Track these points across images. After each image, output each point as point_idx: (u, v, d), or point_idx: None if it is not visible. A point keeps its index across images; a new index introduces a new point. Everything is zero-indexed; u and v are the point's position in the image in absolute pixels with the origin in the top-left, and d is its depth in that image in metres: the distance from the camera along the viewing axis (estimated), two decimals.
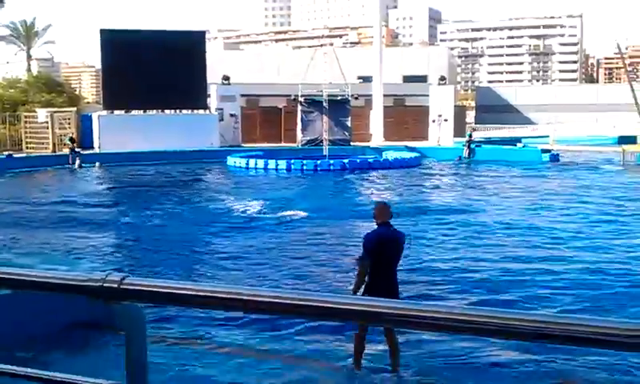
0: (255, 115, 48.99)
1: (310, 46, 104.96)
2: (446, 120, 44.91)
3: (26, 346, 7.57)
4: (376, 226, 7.83)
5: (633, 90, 45.44)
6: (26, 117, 41.80)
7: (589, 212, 20.94)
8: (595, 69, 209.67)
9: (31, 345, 7.69)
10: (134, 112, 42.19)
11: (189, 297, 1.95)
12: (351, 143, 43.21)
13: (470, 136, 42.54)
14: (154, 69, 40.24)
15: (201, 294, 1.93)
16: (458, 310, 1.57)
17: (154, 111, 42.56)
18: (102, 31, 41.78)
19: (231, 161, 37.29)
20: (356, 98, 43.95)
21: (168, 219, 19.68)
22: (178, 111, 42.93)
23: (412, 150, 41.59)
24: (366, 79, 51.31)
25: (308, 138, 42.93)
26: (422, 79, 58.40)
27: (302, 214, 20.12)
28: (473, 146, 40.78)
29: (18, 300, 7.75)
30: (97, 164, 36.86)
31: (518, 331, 1.51)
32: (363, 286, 7.64)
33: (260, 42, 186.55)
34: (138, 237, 17.11)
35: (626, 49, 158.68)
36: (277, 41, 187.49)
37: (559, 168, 35.77)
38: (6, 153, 38.21)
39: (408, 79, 60.52)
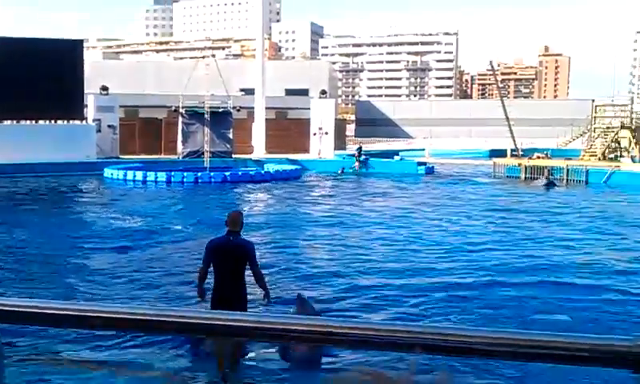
0: (134, 126, 47.85)
1: (191, 57, 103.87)
2: (326, 133, 45.56)
3: None
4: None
5: (504, 106, 47.69)
6: None
7: (458, 221, 21.88)
8: (469, 85, 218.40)
9: None
10: (5, 122, 40.28)
11: (49, 316, 1.94)
12: (233, 155, 42.99)
13: (360, 149, 43.70)
14: (28, 78, 38.52)
15: (62, 312, 1.93)
16: (302, 320, 1.66)
17: (28, 122, 40.80)
18: None
19: (108, 173, 36.23)
20: (238, 110, 43.76)
21: (36, 235, 18.83)
22: (52, 122, 41.32)
23: (293, 162, 42.00)
24: (249, 91, 51.32)
25: (189, 150, 42.33)
26: (304, 92, 59.09)
27: (178, 227, 19.91)
28: (362, 158, 42.08)
29: None
30: None
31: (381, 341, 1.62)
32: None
33: (141, 52, 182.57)
34: (2, 253, 16.27)
35: (498, 66, 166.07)
36: (158, 51, 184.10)
37: (434, 180, 37.08)
38: None
39: (290, 92, 61.03)
